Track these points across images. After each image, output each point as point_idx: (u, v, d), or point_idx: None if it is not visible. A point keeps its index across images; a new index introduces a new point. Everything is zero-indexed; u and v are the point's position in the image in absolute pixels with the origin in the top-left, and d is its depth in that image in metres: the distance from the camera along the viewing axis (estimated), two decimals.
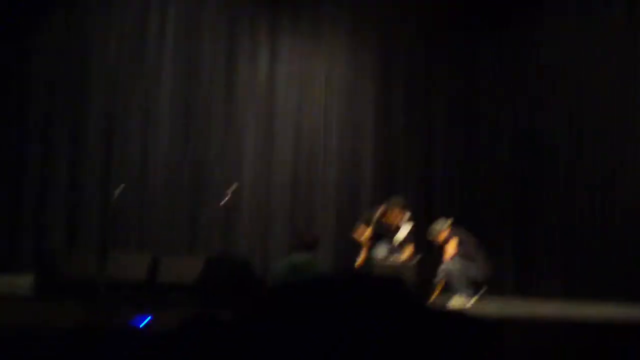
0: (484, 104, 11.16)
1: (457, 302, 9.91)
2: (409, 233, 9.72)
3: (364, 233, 9.75)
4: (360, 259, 9.64)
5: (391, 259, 9.53)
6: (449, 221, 10.17)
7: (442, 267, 10.12)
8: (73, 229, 11.55)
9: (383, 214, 9.75)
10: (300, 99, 11.61)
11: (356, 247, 10.51)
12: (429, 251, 10.02)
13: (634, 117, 10.59)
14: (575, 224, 10.71)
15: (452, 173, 10.58)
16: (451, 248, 10.16)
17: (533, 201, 10.81)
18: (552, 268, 10.65)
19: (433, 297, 9.59)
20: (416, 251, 9.72)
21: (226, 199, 9.40)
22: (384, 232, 9.75)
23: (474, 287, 9.99)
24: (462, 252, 10.11)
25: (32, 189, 11.64)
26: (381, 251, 9.74)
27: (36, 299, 8.28)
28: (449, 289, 9.97)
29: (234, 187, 9.64)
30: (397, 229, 9.73)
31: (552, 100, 10.99)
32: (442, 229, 10.22)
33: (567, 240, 10.69)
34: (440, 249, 10.08)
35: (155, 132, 11.71)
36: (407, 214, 9.77)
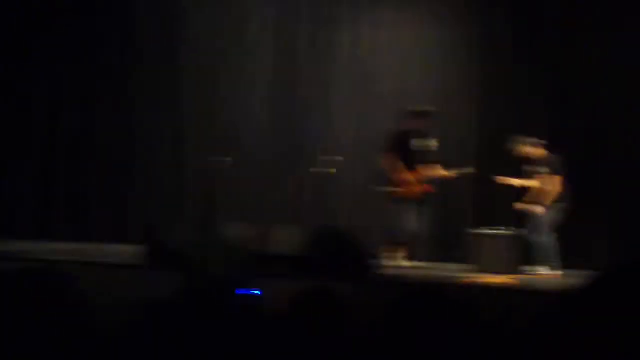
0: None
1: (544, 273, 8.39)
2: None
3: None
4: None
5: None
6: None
7: (537, 220, 8.23)
8: (178, 201, 11.59)
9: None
10: (399, 66, 11.37)
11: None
12: None
13: None
14: None
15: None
16: (552, 186, 8.21)
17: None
18: None
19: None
20: None
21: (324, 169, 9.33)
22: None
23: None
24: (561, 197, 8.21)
25: (138, 168, 11.78)
26: None
27: (146, 267, 8.31)
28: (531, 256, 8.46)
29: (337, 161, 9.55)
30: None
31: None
32: (533, 142, 8.45)
33: None
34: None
35: (254, 100, 11.65)
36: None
